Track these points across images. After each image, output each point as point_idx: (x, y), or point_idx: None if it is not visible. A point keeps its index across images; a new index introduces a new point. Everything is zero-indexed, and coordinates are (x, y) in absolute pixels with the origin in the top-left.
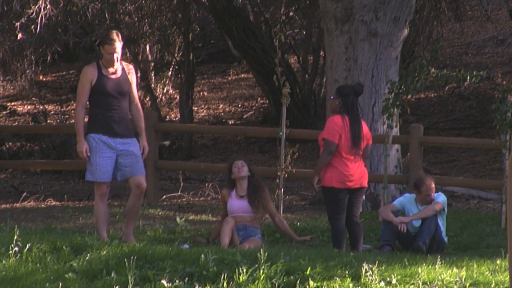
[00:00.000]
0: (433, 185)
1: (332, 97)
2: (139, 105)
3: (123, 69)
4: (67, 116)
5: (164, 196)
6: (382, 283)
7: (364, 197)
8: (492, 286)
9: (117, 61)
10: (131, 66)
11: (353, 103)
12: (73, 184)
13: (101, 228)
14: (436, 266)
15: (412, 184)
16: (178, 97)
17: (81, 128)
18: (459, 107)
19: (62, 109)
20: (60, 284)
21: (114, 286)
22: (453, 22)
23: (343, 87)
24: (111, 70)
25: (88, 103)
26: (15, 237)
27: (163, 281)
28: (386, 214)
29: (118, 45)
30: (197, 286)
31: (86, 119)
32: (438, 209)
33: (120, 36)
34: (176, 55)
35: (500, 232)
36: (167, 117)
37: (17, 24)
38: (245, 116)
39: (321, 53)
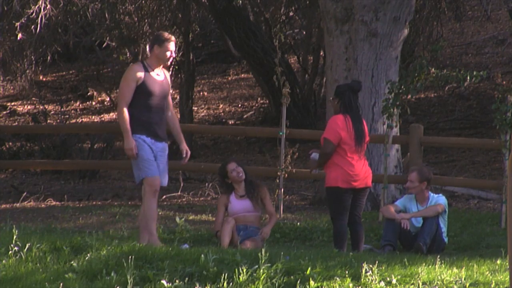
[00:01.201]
0: (415, 178)
1: (331, 98)
2: (172, 109)
3: (164, 72)
4: (67, 116)
5: (164, 196)
6: (382, 283)
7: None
8: (492, 286)
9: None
10: (167, 73)
11: (351, 101)
12: (73, 184)
13: (152, 229)
14: (436, 266)
15: None
16: (178, 97)
17: (129, 126)
18: (459, 107)
19: (62, 109)
20: (60, 284)
21: (114, 286)
22: (453, 22)
23: (340, 86)
24: (156, 71)
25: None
26: (14, 237)
27: (163, 281)
28: (389, 212)
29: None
30: (197, 286)
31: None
32: (440, 210)
33: None
34: (176, 55)
35: (500, 232)
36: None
37: (17, 24)
38: (245, 116)
39: (321, 53)
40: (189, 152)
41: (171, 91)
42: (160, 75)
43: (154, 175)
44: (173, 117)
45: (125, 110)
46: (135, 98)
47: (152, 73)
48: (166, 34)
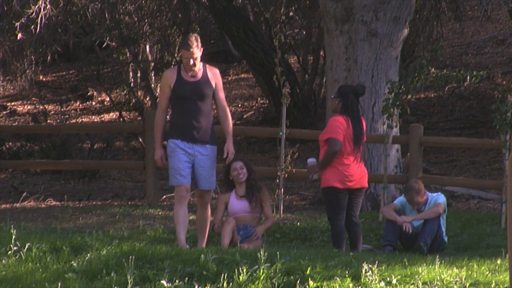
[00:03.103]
0: (419, 198)
1: (332, 96)
2: (227, 109)
3: (204, 72)
4: (67, 116)
5: (164, 196)
6: (382, 283)
7: (364, 197)
8: (492, 286)
9: (195, 65)
10: (216, 70)
11: (353, 104)
12: (73, 184)
13: (180, 234)
14: (436, 266)
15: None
16: None
17: (159, 134)
18: (459, 107)
19: (62, 109)
20: (60, 284)
21: (114, 286)
22: (453, 22)
23: (344, 86)
24: (190, 73)
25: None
26: (14, 237)
27: (163, 281)
28: (390, 214)
29: (196, 50)
30: (197, 286)
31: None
32: (441, 210)
33: (199, 41)
34: (176, 55)
35: (500, 232)
36: (168, 117)
37: (17, 24)
38: (245, 116)
39: (321, 53)
40: (231, 152)
41: None
42: (197, 76)
43: (178, 183)
44: (223, 115)
45: (160, 118)
46: (172, 102)
47: (184, 76)
48: (187, 41)
